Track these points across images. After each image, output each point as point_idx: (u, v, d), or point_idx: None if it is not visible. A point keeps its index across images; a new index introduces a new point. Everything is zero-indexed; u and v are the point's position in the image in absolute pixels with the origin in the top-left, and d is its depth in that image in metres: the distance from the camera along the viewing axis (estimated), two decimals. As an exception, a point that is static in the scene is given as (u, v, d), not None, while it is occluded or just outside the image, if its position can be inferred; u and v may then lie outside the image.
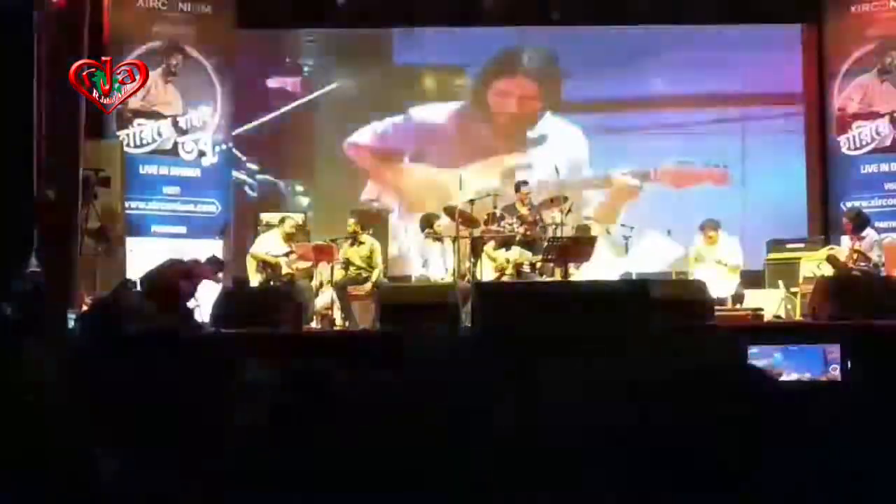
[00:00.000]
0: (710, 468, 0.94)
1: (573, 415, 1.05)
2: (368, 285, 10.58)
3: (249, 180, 13.26)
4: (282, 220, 11.12)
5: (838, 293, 9.32)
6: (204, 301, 9.87)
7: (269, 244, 10.82)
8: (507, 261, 10.57)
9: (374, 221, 11.64)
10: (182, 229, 12.22)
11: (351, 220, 10.98)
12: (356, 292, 10.54)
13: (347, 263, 10.74)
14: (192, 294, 9.78)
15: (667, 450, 0.94)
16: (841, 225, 11.00)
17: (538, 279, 10.45)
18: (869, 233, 10.09)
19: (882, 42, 12.44)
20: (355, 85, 13.46)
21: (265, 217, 11.93)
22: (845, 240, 10.66)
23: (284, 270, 10.56)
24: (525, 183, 11.42)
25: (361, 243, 10.82)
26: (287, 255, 10.66)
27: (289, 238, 10.85)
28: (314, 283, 10.89)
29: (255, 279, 10.81)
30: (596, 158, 13.30)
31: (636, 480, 0.95)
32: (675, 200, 12.83)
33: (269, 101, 13.35)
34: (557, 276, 10.38)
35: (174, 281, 9.58)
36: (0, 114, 10.38)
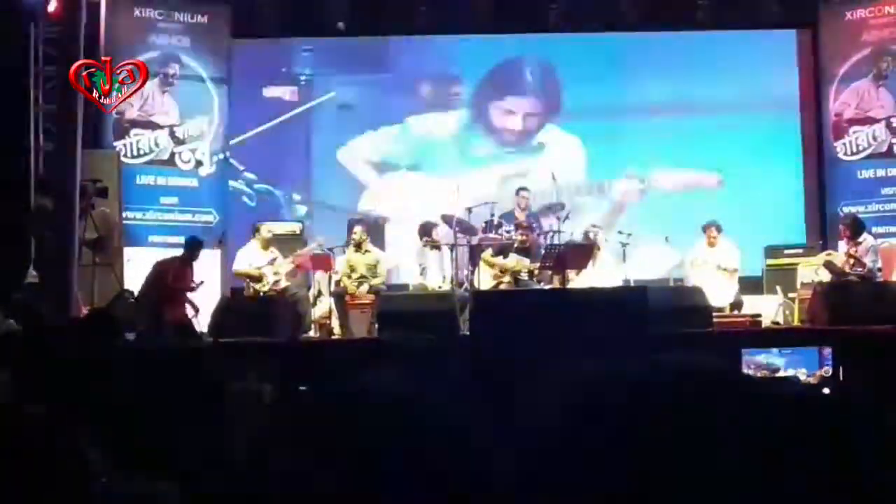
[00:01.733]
0: (700, 475, 0.94)
1: (570, 421, 1.05)
2: (365, 288, 10.53)
3: (247, 190, 13.26)
4: (257, 230, 10.99)
5: (835, 299, 9.33)
6: (202, 311, 9.88)
7: (249, 256, 10.68)
8: (505, 269, 10.56)
9: (373, 230, 11.63)
10: (180, 239, 12.12)
11: (359, 228, 10.93)
12: (354, 301, 10.52)
13: (351, 270, 10.68)
14: (190, 284, 9.77)
15: (660, 457, 0.94)
16: (838, 230, 11.00)
17: (536, 287, 10.45)
18: (865, 238, 10.09)
19: (877, 47, 12.47)
20: (353, 94, 13.47)
21: (263, 227, 11.88)
22: (842, 245, 10.67)
23: (271, 279, 10.42)
24: (524, 189, 11.45)
25: (367, 251, 10.79)
26: (271, 262, 10.55)
27: (267, 245, 10.71)
28: (312, 292, 10.88)
29: (248, 292, 10.76)
30: (593, 165, 13.32)
31: (629, 486, 0.95)
32: (672, 207, 12.85)
33: (266, 110, 13.35)
34: (556, 284, 10.38)
35: (171, 285, 9.61)
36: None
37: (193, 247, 10.13)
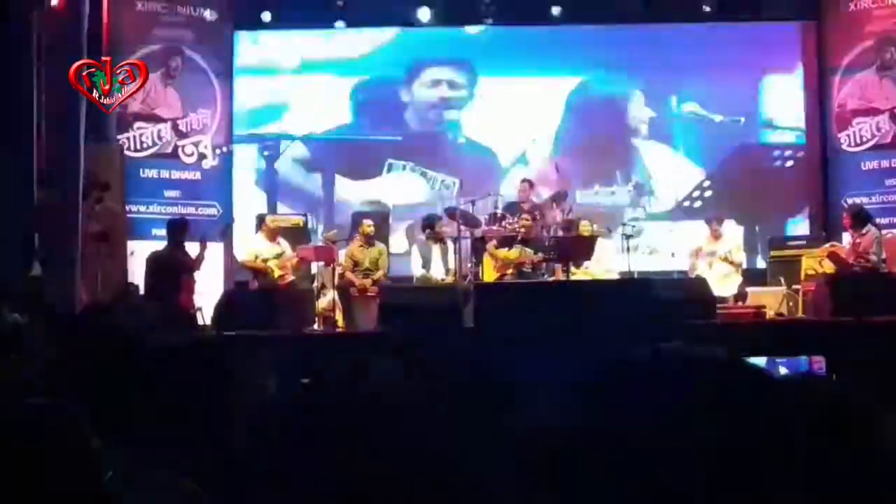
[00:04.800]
0: (707, 468, 0.94)
1: (574, 414, 1.05)
2: (369, 281, 10.53)
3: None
4: (262, 220, 10.95)
5: (839, 291, 9.32)
6: (206, 304, 9.88)
7: (256, 247, 10.67)
8: (508, 260, 10.55)
9: (376, 223, 11.62)
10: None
11: (369, 221, 10.94)
12: (358, 294, 10.53)
13: (355, 264, 10.68)
14: (192, 265, 9.71)
15: (667, 451, 0.94)
16: (842, 221, 10.98)
17: (540, 279, 10.45)
18: (870, 229, 10.07)
19: (881, 38, 12.43)
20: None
21: (268, 218, 11.83)
22: (846, 237, 10.65)
23: (276, 273, 10.41)
24: (527, 180, 11.44)
25: (372, 245, 10.81)
26: (278, 256, 10.52)
27: (273, 236, 10.70)
28: (315, 284, 10.88)
29: (252, 285, 10.76)
30: (596, 155, 13.31)
31: (634, 479, 0.95)
32: (676, 197, 12.84)
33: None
34: (560, 276, 10.37)
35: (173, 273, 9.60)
36: (0, 117, 10.40)
37: (177, 230, 9.93)
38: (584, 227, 10.79)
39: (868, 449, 1.12)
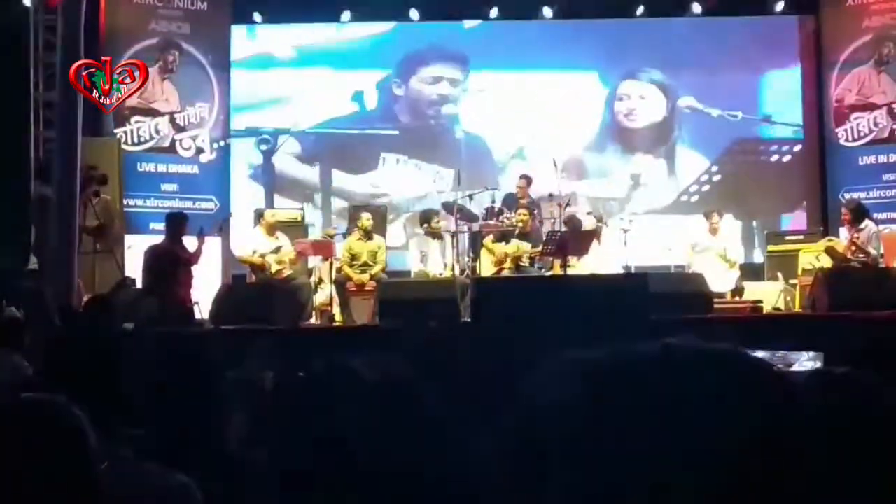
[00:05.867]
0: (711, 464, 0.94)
1: (571, 409, 1.05)
2: (367, 275, 10.53)
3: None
4: (261, 215, 10.94)
5: (837, 285, 9.33)
6: (203, 298, 9.87)
7: (254, 242, 10.65)
8: (506, 254, 10.56)
9: (373, 217, 11.62)
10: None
11: (367, 215, 10.92)
12: (355, 288, 10.52)
13: (352, 257, 10.68)
14: (190, 258, 9.65)
15: (664, 445, 0.94)
16: (839, 216, 10.99)
17: (537, 273, 10.45)
18: (867, 224, 10.08)
19: (878, 33, 12.45)
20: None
21: (266, 213, 11.79)
22: (844, 231, 10.67)
23: (274, 269, 10.38)
24: (526, 177, 11.44)
25: (371, 239, 10.80)
26: (276, 250, 10.48)
27: (272, 230, 10.67)
28: (313, 279, 10.87)
29: (250, 279, 10.74)
30: (593, 150, 13.30)
31: (639, 476, 0.94)
32: (673, 194, 12.84)
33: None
34: (557, 270, 10.37)
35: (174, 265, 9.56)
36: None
37: (176, 224, 9.82)
38: (590, 223, 10.78)
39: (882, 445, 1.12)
